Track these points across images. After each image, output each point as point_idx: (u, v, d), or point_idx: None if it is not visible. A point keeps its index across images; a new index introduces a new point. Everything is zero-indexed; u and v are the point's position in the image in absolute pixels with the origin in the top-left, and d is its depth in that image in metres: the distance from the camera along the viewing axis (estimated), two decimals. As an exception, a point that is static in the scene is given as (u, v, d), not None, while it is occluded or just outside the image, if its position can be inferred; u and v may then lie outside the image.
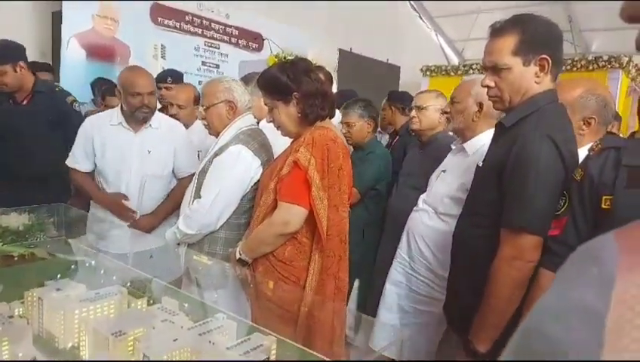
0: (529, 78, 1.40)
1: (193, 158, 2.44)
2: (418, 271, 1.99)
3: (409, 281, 2.01)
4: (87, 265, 1.69)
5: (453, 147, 2.04)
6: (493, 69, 1.43)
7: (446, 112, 2.05)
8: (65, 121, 2.73)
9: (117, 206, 2.26)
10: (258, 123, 2.09)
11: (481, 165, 1.55)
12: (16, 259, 1.71)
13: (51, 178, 2.70)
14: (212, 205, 1.82)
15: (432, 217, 1.97)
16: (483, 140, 1.85)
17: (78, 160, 2.34)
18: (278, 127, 1.77)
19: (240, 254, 1.71)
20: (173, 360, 0.97)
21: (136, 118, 2.25)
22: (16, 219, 1.89)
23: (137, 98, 2.22)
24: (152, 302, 1.30)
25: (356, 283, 2.55)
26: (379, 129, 3.32)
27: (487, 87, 1.46)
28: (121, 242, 2.15)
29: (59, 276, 1.43)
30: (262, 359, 0.98)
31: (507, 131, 1.42)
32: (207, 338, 1.04)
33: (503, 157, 1.38)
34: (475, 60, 6.60)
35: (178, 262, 1.84)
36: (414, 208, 2.07)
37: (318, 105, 1.67)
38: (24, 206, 2.00)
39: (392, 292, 2.05)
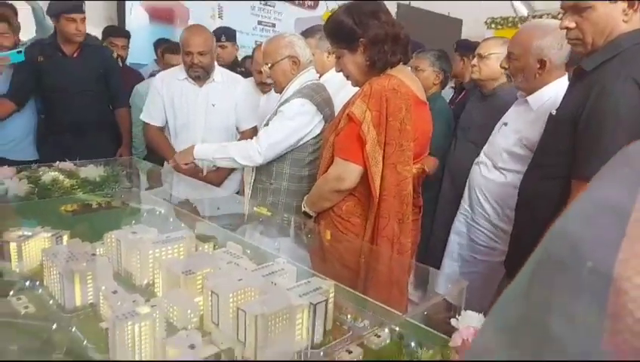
0: (615, 17, 1.26)
1: (254, 111, 2.51)
2: (477, 222, 1.99)
3: (469, 231, 2.02)
4: (157, 213, 1.82)
5: (518, 97, 1.94)
6: (574, 8, 1.30)
7: (504, 68, 1.91)
8: (111, 74, 2.91)
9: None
10: (320, 78, 2.10)
11: (554, 113, 1.46)
12: (93, 207, 1.86)
13: (98, 130, 2.88)
14: (267, 149, 1.89)
15: (490, 170, 1.92)
16: (549, 94, 1.74)
17: (152, 114, 2.48)
18: (347, 77, 1.69)
19: (304, 207, 1.75)
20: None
21: (190, 75, 2.36)
22: (93, 171, 2.04)
23: (189, 57, 2.34)
24: (217, 247, 1.38)
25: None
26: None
27: (567, 28, 1.34)
28: (189, 193, 2.26)
29: (133, 222, 1.55)
30: (320, 300, 1.02)
31: (587, 76, 1.32)
32: (269, 279, 1.10)
33: (579, 104, 1.28)
34: (546, 11, 6.09)
35: (242, 212, 1.93)
36: (475, 161, 2.02)
37: (388, 51, 1.55)
38: (72, 156, 2.15)
39: (455, 242, 2.08)
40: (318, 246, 1.63)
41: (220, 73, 2.46)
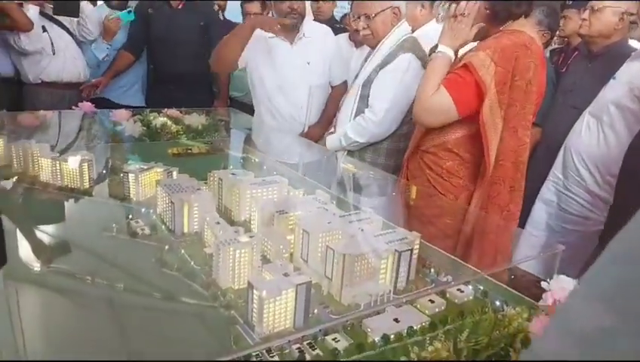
0: None
1: (345, 65, 2.48)
2: (570, 189, 1.88)
3: (560, 200, 1.91)
4: (252, 160, 1.93)
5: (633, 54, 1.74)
6: None
7: (631, 14, 1.69)
8: (212, 27, 3.01)
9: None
10: (412, 32, 2.03)
11: None
12: (195, 152, 2.01)
13: (198, 80, 3.03)
14: (385, 115, 1.87)
15: (592, 130, 1.77)
16: None
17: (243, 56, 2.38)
18: None
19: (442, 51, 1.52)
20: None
21: (285, 25, 2.24)
22: (196, 119, 2.20)
23: (285, 2, 2.23)
24: (306, 195, 1.44)
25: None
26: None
27: None
28: (285, 148, 2.31)
29: (231, 167, 1.67)
30: (405, 249, 1.04)
31: None
32: (356, 225, 1.15)
33: None
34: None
35: (336, 169, 1.98)
36: (576, 122, 1.87)
37: (513, 3, 1.42)
38: (174, 104, 2.29)
39: (542, 211, 1.98)
40: (411, 206, 1.61)
41: (308, 26, 2.35)
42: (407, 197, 1.64)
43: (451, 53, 1.52)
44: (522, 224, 2.09)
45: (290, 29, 2.31)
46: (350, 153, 1.99)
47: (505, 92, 1.40)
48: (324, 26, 2.55)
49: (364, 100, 1.94)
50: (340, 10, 3.93)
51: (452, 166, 1.55)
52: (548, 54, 3.10)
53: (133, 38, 3.08)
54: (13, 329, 0.81)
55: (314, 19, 2.54)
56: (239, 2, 3.59)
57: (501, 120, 1.42)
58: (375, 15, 1.94)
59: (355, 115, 1.98)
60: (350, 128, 1.96)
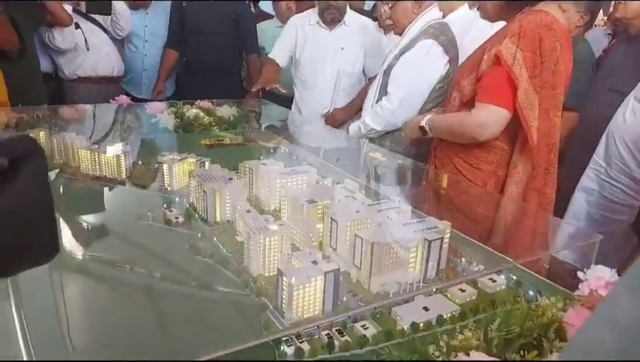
0: None
1: (383, 57, 2.48)
2: (613, 177, 1.80)
3: (602, 188, 1.84)
4: (282, 151, 1.95)
5: None
6: None
7: None
8: (242, 19, 3.04)
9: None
10: (444, 17, 1.99)
11: None
12: (226, 143, 2.05)
13: (228, 72, 3.08)
14: (400, 103, 1.86)
15: (637, 114, 1.68)
16: None
17: (278, 51, 2.55)
18: (478, 9, 1.57)
19: (425, 124, 1.64)
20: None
21: (325, 18, 2.37)
22: (228, 110, 2.24)
23: None
24: (335, 184, 1.45)
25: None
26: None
27: None
28: (312, 136, 2.36)
29: (261, 157, 1.69)
30: (435, 238, 1.03)
31: None
32: (385, 214, 1.14)
33: None
34: None
35: (359, 157, 1.98)
36: (620, 107, 1.80)
37: None
38: (204, 96, 2.34)
39: (582, 200, 1.91)
40: (437, 193, 1.61)
41: (352, 16, 2.45)
42: (437, 185, 1.62)
43: (428, 116, 1.62)
44: (562, 213, 2.03)
45: (330, 22, 2.39)
46: (372, 140, 1.99)
47: (537, 75, 1.37)
48: (368, 18, 2.59)
49: (384, 88, 1.93)
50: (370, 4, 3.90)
51: (480, 152, 1.52)
52: (593, 36, 2.98)
53: (173, 34, 3.15)
54: (58, 316, 0.86)
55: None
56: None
57: (537, 104, 1.39)
58: (394, 4, 1.92)
59: (377, 102, 1.97)
60: (369, 116, 1.97)
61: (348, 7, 2.50)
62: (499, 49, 1.39)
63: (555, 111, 1.42)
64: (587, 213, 1.91)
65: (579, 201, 1.94)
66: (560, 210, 2.05)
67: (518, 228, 1.40)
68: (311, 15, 2.50)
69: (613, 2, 2.61)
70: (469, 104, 1.52)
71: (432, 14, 1.90)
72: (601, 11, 2.70)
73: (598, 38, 2.65)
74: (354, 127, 2.08)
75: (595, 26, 2.60)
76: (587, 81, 2.22)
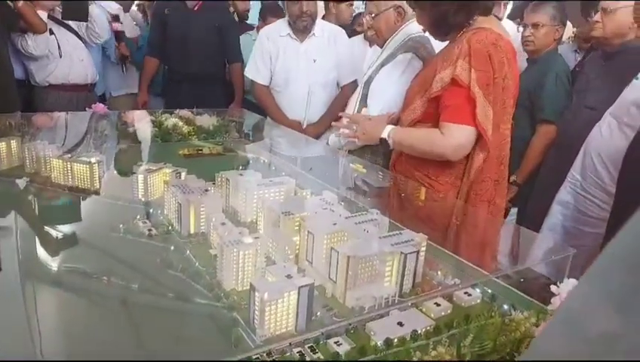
0: None
1: (355, 65, 2.49)
2: (588, 191, 1.85)
3: (577, 201, 1.88)
4: (262, 161, 1.94)
5: None
6: None
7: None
8: (227, 29, 3.04)
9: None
10: (425, 31, 2.01)
11: None
12: (205, 153, 2.02)
13: (212, 82, 3.06)
14: (379, 112, 1.87)
15: (613, 130, 1.74)
16: None
17: (260, 71, 2.53)
18: (424, 30, 1.63)
19: (388, 138, 1.63)
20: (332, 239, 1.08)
21: (298, 26, 2.35)
22: (208, 120, 2.22)
23: (296, 5, 2.31)
24: (313, 195, 1.44)
25: (513, 210, 2.43)
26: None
27: None
28: (288, 146, 2.36)
29: (240, 168, 1.67)
30: (411, 251, 1.03)
31: None
32: (362, 227, 1.13)
33: None
34: None
35: (338, 169, 1.97)
36: (597, 124, 1.84)
37: (449, 12, 1.45)
38: (187, 105, 2.32)
39: (558, 213, 1.95)
40: (409, 203, 1.62)
41: (319, 26, 2.44)
42: (415, 197, 1.63)
43: (392, 130, 1.62)
44: (539, 225, 2.06)
45: (302, 30, 2.37)
46: (351, 153, 1.99)
47: (490, 92, 1.42)
48: (336, 26, 2.59)
49: (364, 99, 1.93)
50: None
51: (439, 165, 1.55)
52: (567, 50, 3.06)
53: (154, 41, 3.12)
54: (30, 329, 0.83)
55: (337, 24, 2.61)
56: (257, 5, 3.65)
57: (491, 117, 1.44)
58: (378, 14, 1.93)
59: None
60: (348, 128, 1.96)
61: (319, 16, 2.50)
62: (455, 73, 1.43)
63: (506, 125, 1.49)
64: (563, 225, 1.95)
65: (555, 214, 1.97)
66: (538, 221, 2.08)
67: (473, 233, 1.43)
68: (281, 26, 2.48)
69: (590, 20, 2.68)
70: (421, 122, 1.56)
71: (412, 27, 1.91)
72: (568, 28, 2.78)
73: (566, 53, 2.71)
74: (333, 138, 2.08)
75: (562, 42, 2.67)
76: (564, 95, 2.27)
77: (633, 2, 1.90)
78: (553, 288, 0.92)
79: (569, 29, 2.89)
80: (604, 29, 2.05)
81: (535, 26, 2.31)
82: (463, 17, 1.48)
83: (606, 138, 1.78)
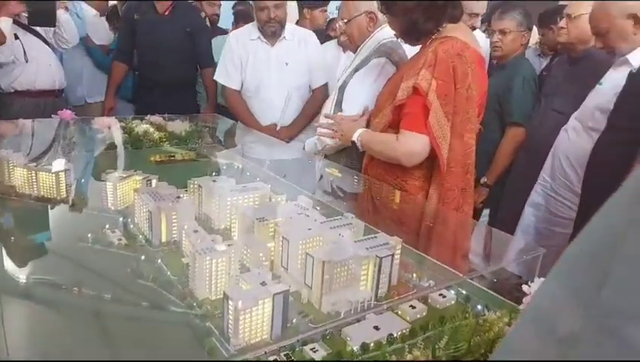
0: None
1: (327, 68, 2.49)
2: (558, 192, 1.91)
3: (548, 203, 1.94)
4: (235, 167, 1.91)
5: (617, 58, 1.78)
6: None
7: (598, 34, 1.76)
8: (198, 34, 2.99)
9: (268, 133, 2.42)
10: (397, 36, 2.03)
11: (635, 71, 1.34)
12: (178, 159, 1.99)
13: (184, 88, 3.02)
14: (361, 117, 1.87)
15: (579, 133, 1.81)
16: None
17: (230, 76, 2.47)
18: (396, 36, 1.66)
19: (357, 140, 1.65)
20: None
21: (266, 32, 2.34)
22: (180, 126, 2.18)
23: (264, 12, 2.30)
24: (288, 201, 1.43)
25: (485, 211, 2.48)
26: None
27: None
28: (261, 150, 2.33)
29: (213, 174, 1.65)
30: (387, 254, 1.03)
31: None
32: (337, 231, 1.13)
33: None
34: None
35: (313, 172, 1.97)
36: (564, 127, 1.90)
37: (419, 19, 1.48)
38: (159, 111, 2.28)
39: (530, 215, 2.01)
40: (383, 206, 1.63)
41: (289, 30, 2.43)
42: (390, 200, 1.64)
43: (362, 132, 1.65)
44: (513, 227, 2.10)
45: (271, 35, 2.36)
46: (327, 157, 1.99)
47: (449, 103, 1.44)
48: (307, 30, 2.59)
49: (339, 104, 1.94)
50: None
51: (407, 169, 1.57)
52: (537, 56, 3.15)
53: (122, 46, 3.05)
54: None
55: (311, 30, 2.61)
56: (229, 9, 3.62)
57: (449, 129, 1.45)
58: (350, 19, 1.94)
59: None
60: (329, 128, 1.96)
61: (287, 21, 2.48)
62: (417, 81, 1.45)
63: (470, 134, 1.50)
64: (535, 227, 2.00)
65: (528, 216, 2.02)
66: (510, 223, 2.12)
67: (443, 234, 1.45)
68: (251, 30, 2.46)
69: (556, 26, 2.77)
70: (391, 128, 1.58)
71: (385, 33, 1.93)
72: (534, 33, 2.86)
73: (530, 58, 2.80)
74: (310, 142, 2.08)
75: (529, 47, 2.75)
76: (531, 99, 2.32)
77: None
78: (524, 287, 0.94)
79: (535, 34, 2.97)
80: (568, 35, 2.12)
81: (502, 32, 2.36)
82: (433, 25, 1.51)
83: (573, 141, 1.84)
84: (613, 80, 1.74)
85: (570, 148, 1.86)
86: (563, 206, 1.90)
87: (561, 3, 3.03)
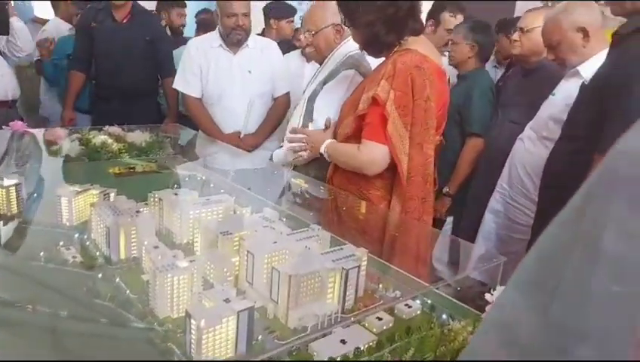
0: None
1: (290, 78, 2.49)
2: (516, 200, 1.97)
3: (507, 210, 2.00)
4: (198, 179, 1.87)
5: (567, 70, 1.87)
6: None
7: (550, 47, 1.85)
8: (159, 42, 2.94)
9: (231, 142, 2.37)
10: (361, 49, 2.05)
11: (587, 83, 1.41)
12: (138, 171, 1.93)
13: (145, 97, 2.95)
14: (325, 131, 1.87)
15: (534, 143, 1.88)
16: (602, 60, 1.68)
17: (190, 83, 2.41)
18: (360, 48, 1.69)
19: (324, 151, 1.67)
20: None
21: (231, 39, 2.32)
22: (140, 136, 2.12)
23: (231, 19, 2.28)
24: (253, 213, 1.41)
25: (449, 219, 2.52)
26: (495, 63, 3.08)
27: None
28: (225, 160, 2.29)
29: (175, 186, 1.60)
30: (353, 266, 1.02)
31: (623, 42, 1.25)
32: (303, 244, 1.12)
33: (609, 71, 1.22)
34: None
35: (280, 183, 1.95)
36: (519, 136, 1.97)
37: (380, 32, 1.50)
38: (118, 121, 2.22)
39: (491, 221, 2.06)
40: (348, 215, 1.63)
41: (252, 39, 2.41)
42: (355, 211, 1.64)
43: (328, 144, 1.67)
44: (474, 234, 2.15)
45: (236, 43, 2.34)
46: (296, 168, 1.98)
47: (408, 113, 1.46)
48: (269, 39, 2.59)
49: (309, 115, 1.94)
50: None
51: (370, 179, 1.58)
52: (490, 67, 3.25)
53: (79, 55, 2.95)
54: None
55: (278, 41, 2.60)
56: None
57: (407, 140, 1.48)
58: (317, 32, 1.95)
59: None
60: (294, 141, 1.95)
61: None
62: (376, 92, 1.47)
63: (429, 145, 1.52)
64: (496, 233, 2.06)
65: (488, 222, 2.08)
66: (472, 230, 2.17)
67: (405, 243, 1.48)
68: (212, 37, 2.42)
69: (510, 37, 2.88)
70: (352, 138, 1.60)
71: (351, 45, 1.94)
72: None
73: (487, 69, 2.90)
74: (278, 153, 2.05)
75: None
76: (489, 109, 2.40)
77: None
78: (487, 296, 0.95)
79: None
80: (521, 47, 2.21)
81: (453, 43, 2.49)
82: (394, 37, 1.54)
83: (529, 150, 1.91)
84: (565, 90, 1.82)
85: (526, 157, 1.93)
86: (521, 213, 1.96)
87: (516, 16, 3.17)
